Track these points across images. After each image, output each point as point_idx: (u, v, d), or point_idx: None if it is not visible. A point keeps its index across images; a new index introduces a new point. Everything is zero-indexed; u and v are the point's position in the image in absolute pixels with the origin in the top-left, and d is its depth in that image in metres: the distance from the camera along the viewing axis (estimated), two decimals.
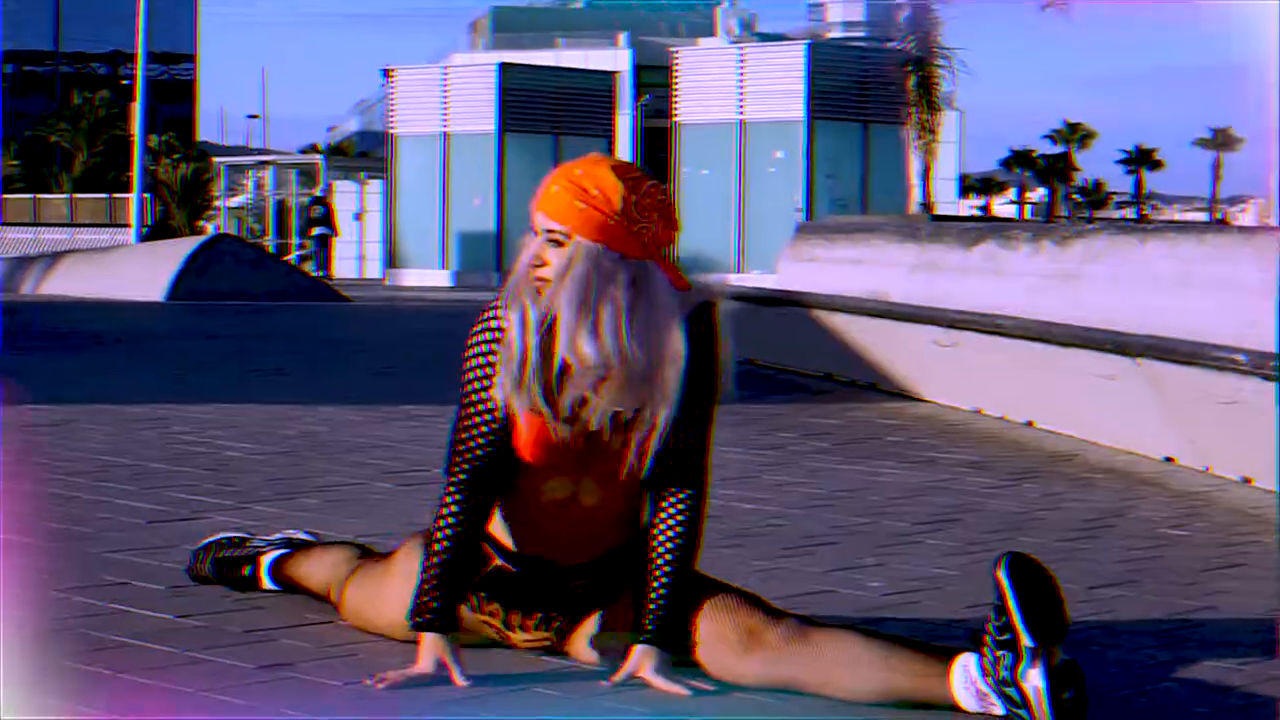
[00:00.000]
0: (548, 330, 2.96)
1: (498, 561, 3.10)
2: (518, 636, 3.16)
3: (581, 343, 2.93)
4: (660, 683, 2.95)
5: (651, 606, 2.99)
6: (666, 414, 2.97)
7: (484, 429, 3.01)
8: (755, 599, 3.03)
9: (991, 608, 2.80)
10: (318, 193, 34.10)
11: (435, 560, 3.00)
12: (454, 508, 3.01)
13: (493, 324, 3.00)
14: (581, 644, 3.13)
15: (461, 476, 3.02)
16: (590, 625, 3.13)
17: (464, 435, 3.03)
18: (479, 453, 3.02)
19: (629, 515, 3.10)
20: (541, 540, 3.08)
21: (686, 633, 3.00)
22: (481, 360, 3.01)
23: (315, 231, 32.64)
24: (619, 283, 2.93)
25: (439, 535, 3.01)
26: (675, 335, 2.97)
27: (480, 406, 3.01)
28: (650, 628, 2.98)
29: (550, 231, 2.96)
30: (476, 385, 3.01)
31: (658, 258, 2.98)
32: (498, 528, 3.10)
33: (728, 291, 3.07)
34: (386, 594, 3.21)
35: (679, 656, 3.00)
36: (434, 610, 2.98)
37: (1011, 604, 2.77)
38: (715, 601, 3.00)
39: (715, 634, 2.98)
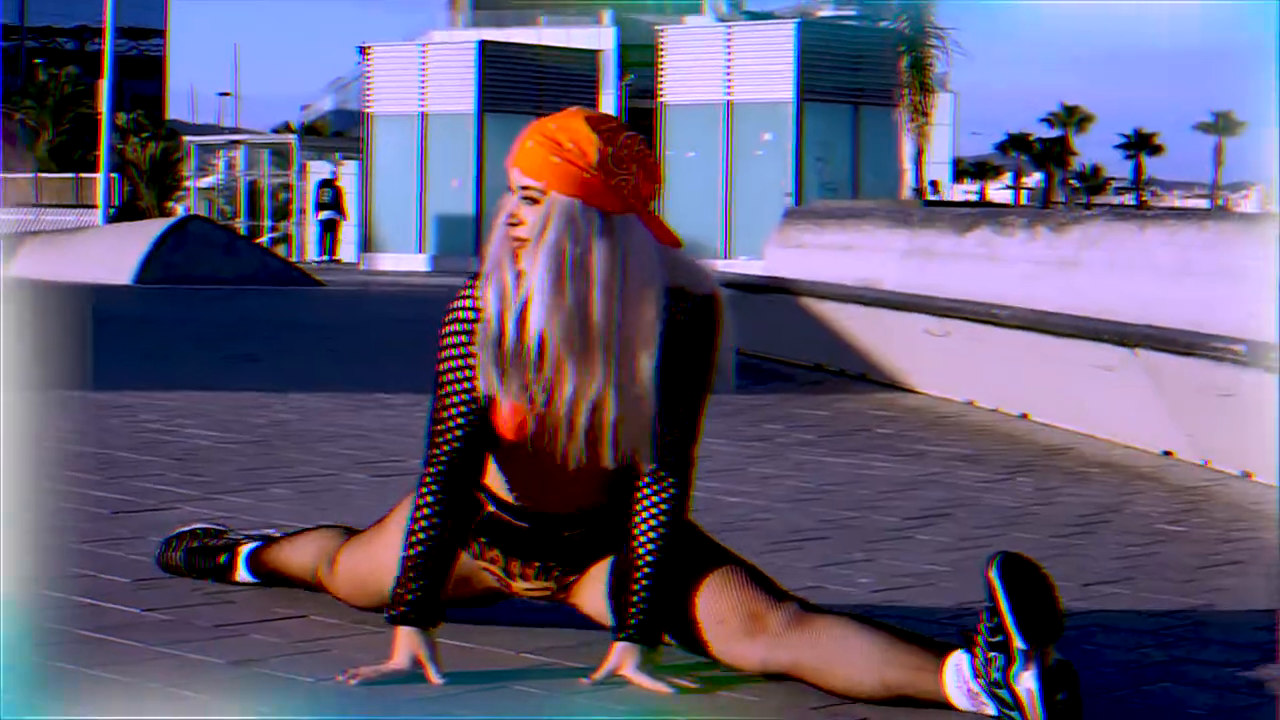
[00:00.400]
0: (527, 302, 2.86)
1: (490, 508, 3.04)
2: (519, 585, 3.11)
3: (558, 308, 2.83)
4: (642, 681, 2.89)
5: (634, 600, 2.92)
6: (643, 391, 2.86)
7: (461, 417, 2.93)
8: (758, 575, 2.96)
9: (983, 608, 2.75)
10: (327, 175, 34.11)
11: (414, 553, 2.92)
12: (432, 500, 2.94)
13: (468, 306, 2.91)
14: (585, 595, 3.07)
15: (439, 467, 2.94)
16: (593, 576, 3.06)
17: (441, 424, 2.95)
18: (457, 444, 2.94)
19: (617, 471, 2.99)
20: (528, 492, 3.02)
21: (685, 609, 2.93)
22: (457, 345, 2.92)
23: (322, 215, 32.68)
24: (596, 239, 2.83)
25: (417, 528, 2.93)
26: (654, 297, 2.86)
27: (457, 395, 2.93)
28: (632, 624, 2.92)
29: (525, 188, 2.87)
30: (453, 371, 2.93)
31: (640, 211, 2.88)
32: (488, 476, 3.03)
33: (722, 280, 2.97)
34: (384, 557, 3.12)
35: (671, 633, 2.95)
36: (410, 604, 2.90)
37: (1003, 606, 2.72)
38: (717, 578, 2.94)
39: (716, 616, 2.92)
